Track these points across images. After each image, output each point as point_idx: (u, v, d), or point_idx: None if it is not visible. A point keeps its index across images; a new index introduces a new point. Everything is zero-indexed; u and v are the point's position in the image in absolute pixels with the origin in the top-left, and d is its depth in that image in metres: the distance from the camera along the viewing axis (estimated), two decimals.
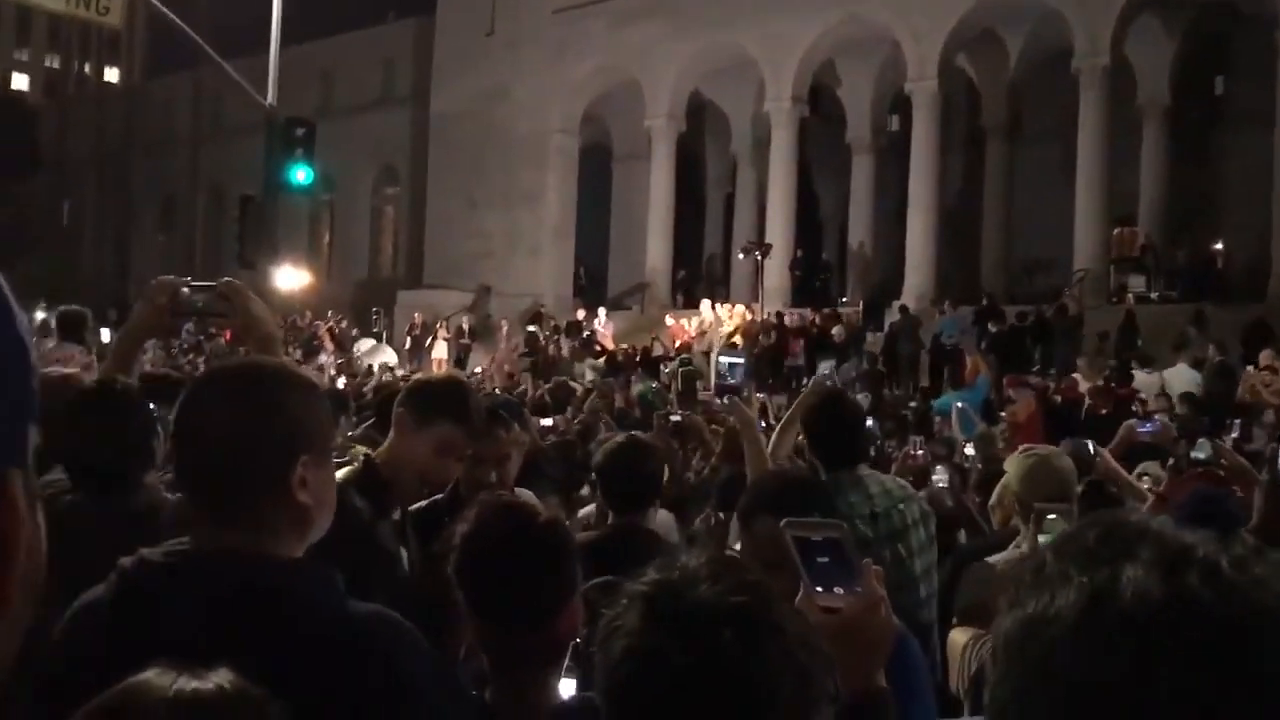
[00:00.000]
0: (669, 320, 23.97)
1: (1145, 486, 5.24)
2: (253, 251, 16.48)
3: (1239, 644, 0.70)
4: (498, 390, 13.45)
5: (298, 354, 21.12)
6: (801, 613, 1.47)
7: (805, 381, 14.71)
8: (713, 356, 16.19)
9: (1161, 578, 0.72)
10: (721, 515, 4.46)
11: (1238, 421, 9.18)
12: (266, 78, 16.78)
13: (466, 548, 1.91)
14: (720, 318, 22.85)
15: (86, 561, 1.70)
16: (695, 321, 23.00)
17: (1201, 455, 5.17)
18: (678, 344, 22.17)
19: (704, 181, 31.90)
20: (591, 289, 29.36)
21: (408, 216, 34.40)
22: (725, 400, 4.61)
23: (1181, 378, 14.83)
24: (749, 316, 22.76)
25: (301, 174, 15.42)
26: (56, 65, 67.83)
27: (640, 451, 3.71)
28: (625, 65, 27.63)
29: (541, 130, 28.98)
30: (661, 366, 19.18)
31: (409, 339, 25.44)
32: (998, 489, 4.33)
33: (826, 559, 1.55)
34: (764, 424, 5.94)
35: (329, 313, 28.08)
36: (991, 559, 3.55)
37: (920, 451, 6.67)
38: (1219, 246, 23.88)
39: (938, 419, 11.98)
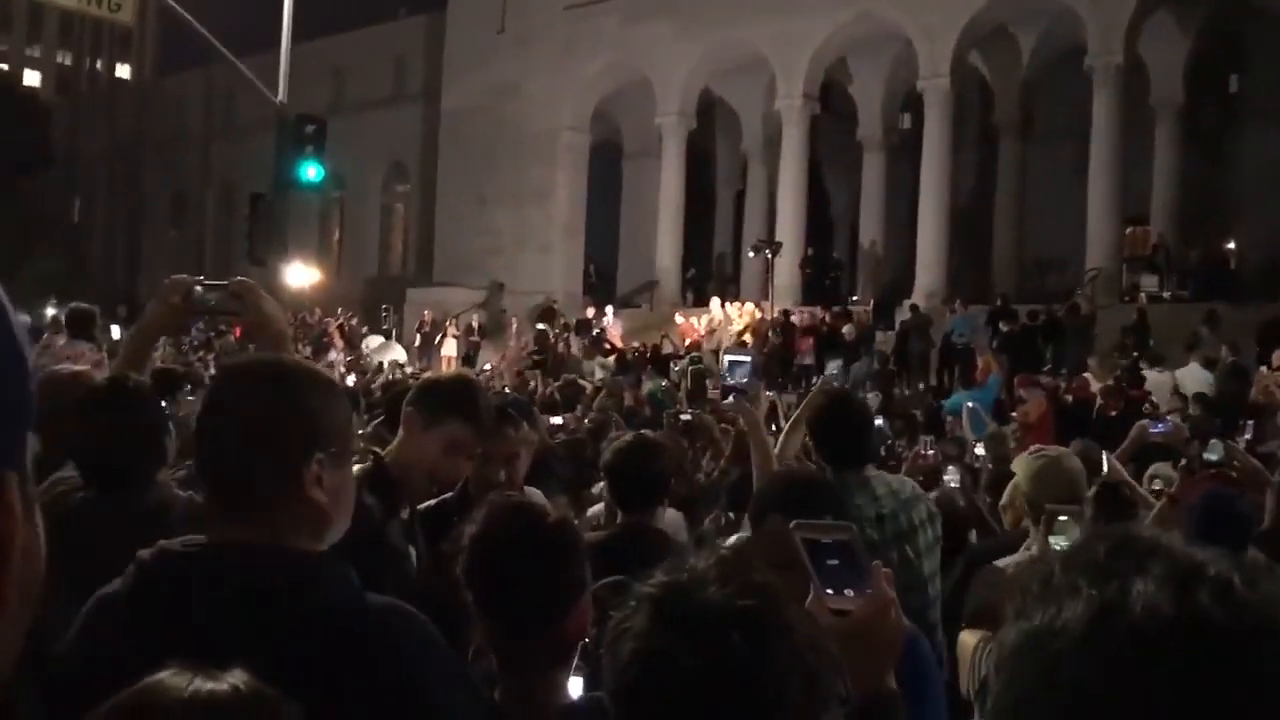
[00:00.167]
0: (678, 318, 23.96)
1: (1157, 488, 5.22)
2: (263, 248, 16.53)
3: (1249, 662, 0.69)
4: (507, 389, 13.46)
5: (307, 351, 21.14)
6: (810, 615, 1.46)
7: (815, 380, 14.69)
8: (722, 355, 16.17)
9: (1172, 594, 0.71)
10: (731, 515, 4.46)
11: (1250, 422, 9.13)
12: (277, 75, 16.83)
13: (476, 548, 1.91)
14: (730, 316, 22.83)
15: (98, 558, 1.70)
16: (705, 320, 22.99)
17: (1214, 456, 5.14)
18: (687, 342, 22.16)
19: (714, 179, 31.89)
20: (601, 286, 29.37)
21: (418, 213, 34.48)
22: (730, 400, 4.59)
23: (1194, 377, 14.77)
24: (758, 315, 22.74)
25: (312, 171, 15.46)
26: (68, 62, 68.12)
27: (649, 450, 3.71)
28: (636, 62, 27.63)
29: (552, 127, 29.01)
30: (671, 365, 19.18)
31: (418, 336, 25.48)
32: (1008, 490, 4.32)
33: (836, 561, 1.55)
34: (774, 426, 5.92)
35: (339, 310, 28.14)
36: (1001, 562, 3.54)
37: (931, 451, 6.65)
38: (1232, 246, 23.80)
39: (949, 419, 11.95)
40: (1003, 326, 19.16)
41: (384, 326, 27.46)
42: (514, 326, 25.39)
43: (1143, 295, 20.42)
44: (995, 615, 2.86)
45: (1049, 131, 25.87)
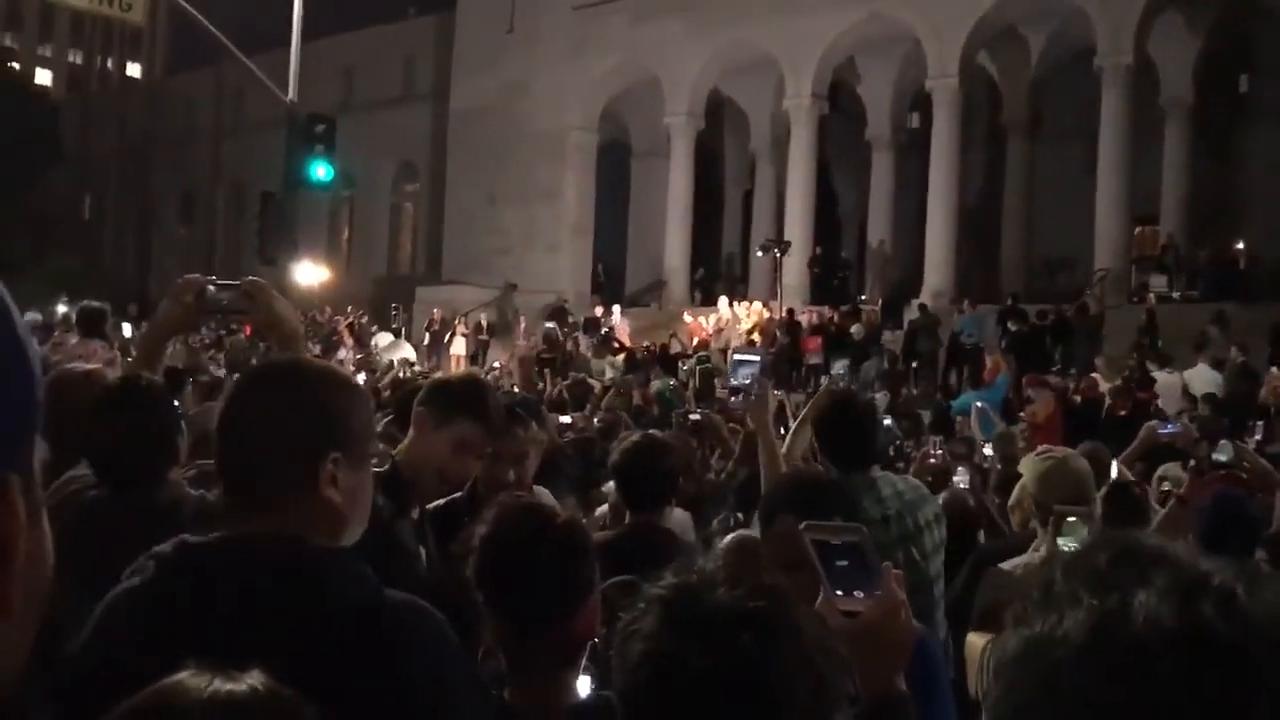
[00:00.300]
0: (686, 318, 23.95)
1: (1165, 488, 5.21)
2: (273, 247, 16.58)
3: (1251, 676, 0.69)
4: (516, 388, 13.46)
5: (317, 349, 21.18)
6: (819, 616, 1.47)
7: (823, 380, 14.68)
8: (730, 354, 16.16)
9: (1175, 606, 0.71)
10: (740, 516, 4.46)
11: (1260, 423, 9.10)
12: (287, 74, 16.86)
13: (486, 549, 1.93)
14: (737, 315, 22.81)
15: (110, 556, 1.72)
16: (712, 319, 22.98)
17: (1223, 457, 5.13)
18: (695, 342, 22.15)
19: (723, 179, 31.86)
20: (609, 286, 29.37)
21: (427, 213, 34.51)
22: (738, 400, 4.59)
23: (1202, 378, 14.72)
24: (766, 314, 22.72)
25: (321, 170, 15.48)
26: (79, 61, 68.29)
27: (658, 450, 3.72)
28: (644, 62, 27.62)
29: (560, 127, 29.02)
30: (680, 364, 19.16)
31: (428, 335, 25.51)
32: (1015, 490, 4.32)
33: (846, 562, 1.55)
34: (782, 429, 5.92)
35: (348, 308, 28.19)
36: (1008, 564, 3.53)
37: (939, 452, 6.63)
38: (1241, 246, 23.70)
39: (958, 419, 11.93)
40: (1011, 326, 19.13)
41: (393, 325, 27.49)
42: (522, 325, 25.41)
43: (1151, 295, 20.35)
44: (1003, 617, 2.86)
45: (1058, 131, 25.81)
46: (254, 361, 4.95)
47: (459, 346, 24.13)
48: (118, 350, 8.08)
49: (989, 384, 14.99)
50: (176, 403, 2.99)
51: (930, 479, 5.43)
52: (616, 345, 22.64)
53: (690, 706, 1.22)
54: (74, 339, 8.52)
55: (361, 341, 24.88)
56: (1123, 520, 3.56)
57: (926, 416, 13.44)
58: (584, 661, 1.93)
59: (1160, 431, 6.28)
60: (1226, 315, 17.52)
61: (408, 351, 23.08)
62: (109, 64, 66.31)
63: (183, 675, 1.09)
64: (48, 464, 2.31)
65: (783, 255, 23.12)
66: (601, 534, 3.48)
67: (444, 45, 32.79)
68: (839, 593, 1.55)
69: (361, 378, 16.03)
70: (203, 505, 2.53)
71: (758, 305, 23.52)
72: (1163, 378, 14.66)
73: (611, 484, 4.59)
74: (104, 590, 1.66)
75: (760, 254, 25.19)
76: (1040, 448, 4.49)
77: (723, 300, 23.92)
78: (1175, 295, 21.34)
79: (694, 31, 26.37)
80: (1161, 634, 0.70)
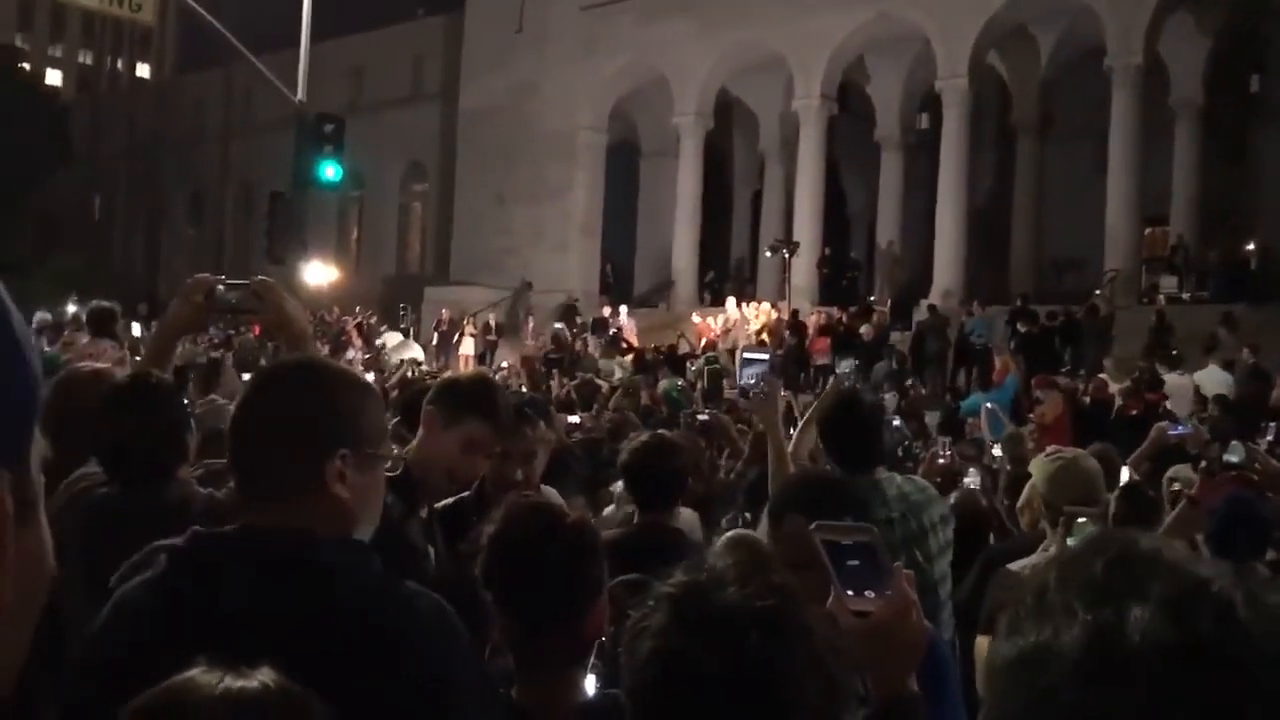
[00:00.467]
0: (695, 318, 23.94)
1: (1175, 489, 5.18)
2: (281, 247, 16.62)
3: (1250, 692, 0.67)
4: (523, 387, 13.47)
5: (325, 349, 21.21)
6: (828, 616, 1.46)
7: (831, 380, 14.64)
8: (738, 355, 16.15)
9: (1172, 621, 0.69)
10: (748, 515, 4.45)
11: (1272, 425, 9.05)
12: (297, 74, 16.90)
13: (494, 548, 1.93)
14: (746, 316, 22.80)
15: (119, 554, 1.72)
16: (720, 319, 22.97)
17: (1234, 459, 5.10)
18: (704, 342, 22.14)
19: (731, 179, 31.84)
20: (618, 286, 29.37)
21: (435, 212, 34.56)
22: (746, 400, 4.58)
23: (1213, 379, 14.66)
24: (775, 315, 22.70)
25: (330, 170, 15.52)
26: (89, 61, 68.64)
27: (667, 450, 3.72)
28: (653, 62, 27.62)
29: (569, 127, 29.03)
30: (688, 364, 19.16)
31: (436, 335, 25.55)
32: (1025, 491, 4.30)
33: (857, 562, 1.55)
34: (790, 431, 5.91)
35: (357, 308, 28.24)
36: (1016, 566, 3.51)
37: (948, 453, 6.62)
38: (1252, 246, 23.60)
39: (968, 420, 11.90)
40: (1020, 327, 19.07)
41: (402, 325, 27.53)
42: (531, 325, 25.42)
43: (1161, 296, 20.28)
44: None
45: (1067, 132, 25.73)
46: (263, 361, 4.97)
47: (467, 346, 24.16)
48: (127, 350, 8.10)
49: (998, 385, 14.95)
50: (185, 401, 3.00)
51: (939, 480, 5.41)
52: (624, 346, 22.65)
53: (699, 705, 1.22)
54: (84, 338, 8.54)
55: (370, 342, 24.92)
56: (1136, 521, 3.54)
57: (936, 417, 13.42)
58: (592, 660, 1.93)
59: (1170, 433, 6.26)
60: (1235, 316, 17.46)
61: (416, 351, 23.10)
62: (119, 64, 66.65)
63: (194, 672, 1.10)
64: (56, 463, 2.31)
65: (791, 256, 23.10)
66: (610, 532, 3.48)
67: (453, 45, 32.84)
68: (849, 592, 1.54)
69: (370, 378, 16.08)
70: (211, 503, 2.54)
71: (766, 306, 23.50)
72: (1173, 379, 14.60)
73: (619, 484, 4.59)
74: (112, 587, 1.66)
75: (769, 254, 25.18)
76: (1050, 448, 4.46)
77: (731, 301, 23.90)
78: (1185, 296, 21.27)
79: (703, 31, 26.36)
80: (1158, 651, 0.68)
